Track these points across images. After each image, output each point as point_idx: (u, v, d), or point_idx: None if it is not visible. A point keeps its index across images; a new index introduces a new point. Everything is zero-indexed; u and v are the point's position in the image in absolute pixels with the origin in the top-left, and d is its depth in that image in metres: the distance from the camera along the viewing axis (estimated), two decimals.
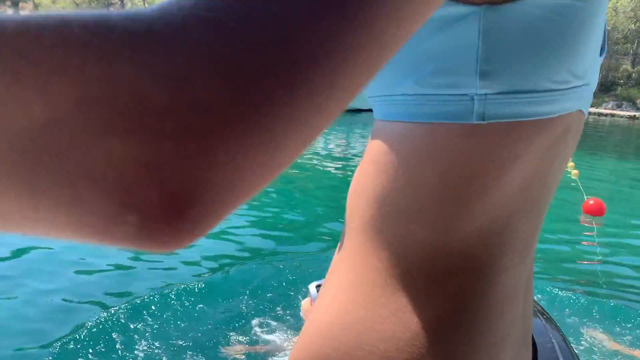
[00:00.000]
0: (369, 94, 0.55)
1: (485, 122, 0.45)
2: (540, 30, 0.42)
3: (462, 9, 0.43)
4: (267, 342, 3.12)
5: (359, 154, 10.56)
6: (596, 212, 5.70)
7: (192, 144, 0.18)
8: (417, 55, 0.46)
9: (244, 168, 0.20)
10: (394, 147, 0.50)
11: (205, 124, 0.18)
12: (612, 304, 3.50)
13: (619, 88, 38.70)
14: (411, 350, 0.46)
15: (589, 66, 0.47)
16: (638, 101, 36.86)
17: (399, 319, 0.47)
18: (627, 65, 40.42)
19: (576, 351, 1.69)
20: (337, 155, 10.04)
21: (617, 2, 37.64)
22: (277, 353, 3.08)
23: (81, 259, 3.81)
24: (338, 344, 0.49)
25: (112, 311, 3.14)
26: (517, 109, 0.45)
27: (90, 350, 2.78)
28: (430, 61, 0.46)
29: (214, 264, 4.01)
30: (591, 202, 5.77)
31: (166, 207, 0.19)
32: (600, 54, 0.49)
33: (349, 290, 0.51)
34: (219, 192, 0.20)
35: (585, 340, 3.09)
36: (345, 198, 0.59)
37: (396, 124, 0.50)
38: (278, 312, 3.36)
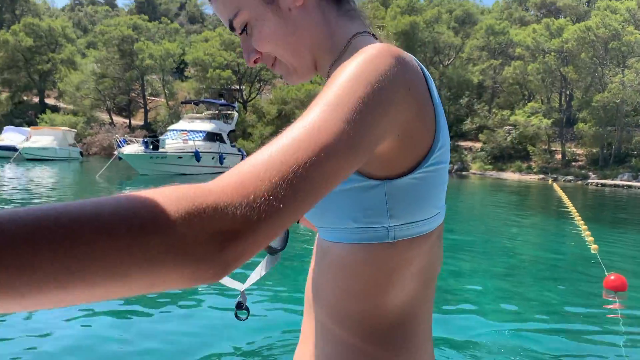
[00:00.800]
0: (319, 225, 0.89)
1: (395, 240, 0.82)
2: (419, 188, 0.80)
3: (373, 182, 0.79)
4: None
5: None
6: (618, 287, 5.72)
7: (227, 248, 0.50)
8: (352, 205, 0.81)
9: (258, 247, 0.53)
10: (344, 257, 0.86)
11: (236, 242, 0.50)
12: None
13: (633, 159, 38.91)
14: None
15: (443, 198, 0.87)
16: None
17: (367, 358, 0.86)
18: (639, 137, 40.86)
19: None
20: None
21: (624, 77, 38.63)
22: None
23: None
24: None
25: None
26: (412, 230, 0.82)
27: None
28: (360, 210, 0.81)
29: None
30: (612, 277, 5.81)
31: (216, 268, 0.49)
32: None
33: (330, 349, 0.89)
34: (244, 256, 0.52)
35: None
36: None
37: (343, 244, 0.86)
38: None
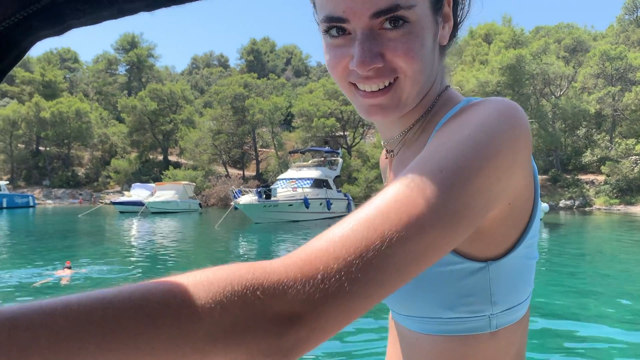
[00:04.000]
0: (405, 313, 0.78)
1: (497, 330, 0.73)
2: (521, 266, 0.72)
3: (475, 265, 0.70)
4: None
5: None
6: None
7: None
8: (448, 292, 0.71)
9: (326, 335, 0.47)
10: (434, 353, 0.76)
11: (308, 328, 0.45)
12: None
13: None
14: None
15: (534, 274, 0.79)
16: None
17: None
18: None
19: None
20: None
21: None
22: None
23: None
24: None
25: None
26: (513, 316, 0.74)
27: None
28: (459, 297, 0.71)
29: None
30: None
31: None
32: None
33: None
34: (307, 344, 0.46)
35: None
36: None
37: (435, 337, 0.75)
38: None
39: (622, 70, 49.23)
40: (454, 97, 0.80)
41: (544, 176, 44.54)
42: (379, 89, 0.73)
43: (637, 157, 42.46)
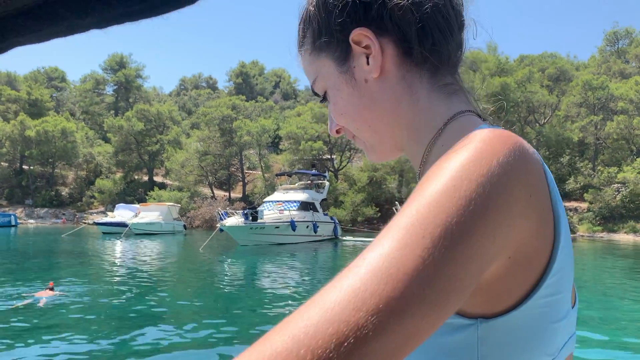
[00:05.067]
0: None
1: None
2: (525, 329, 0.58)
3: (463, 320, 0.59)
4: None
5: None
6: None
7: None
8: (431, 349, 0.61)
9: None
10: None
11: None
12: None
13: None
14: None
15: (562, 340, 0.62)
16: None
17: None
18: None
19: None
20: None
21: None
22: None
23: None
24: None
25: None
26: None
27: None
28: (442, 356, 0.60)
29: None
30: None
31: None
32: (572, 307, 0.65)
33: None
34: None
35: None
36: None
37: None
38: None
39: (604, 100, 50.30)
40: (461, 129, 0.69)
41: None
42: (353, 137, 0.82)
43: (619, 185, 43.10)
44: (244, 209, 32.45)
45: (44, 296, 10.30)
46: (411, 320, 0.43)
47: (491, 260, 0.51)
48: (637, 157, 46.07)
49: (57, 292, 10.79)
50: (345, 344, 0.41)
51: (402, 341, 0.43)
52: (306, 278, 15.99)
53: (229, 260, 21.01)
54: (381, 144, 0.79)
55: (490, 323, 0.58)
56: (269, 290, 12.73)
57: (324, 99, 0.80)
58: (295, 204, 32.30)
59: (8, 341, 7.25)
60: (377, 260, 0.45)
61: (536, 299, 0.57)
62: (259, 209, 31.39)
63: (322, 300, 0.44)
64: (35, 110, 62.75)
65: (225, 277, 15.92)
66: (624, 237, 39.57)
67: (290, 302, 11.15)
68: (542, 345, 0.59)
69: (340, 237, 35.08)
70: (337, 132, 0.83)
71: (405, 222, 0.48)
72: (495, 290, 0.57)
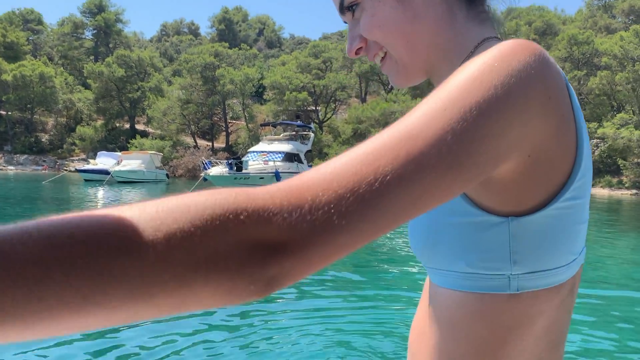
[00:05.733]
0: (427, 265, 0.77)
1: (518, 292, 0.66)
2: (553, 228, 0.64)
3: (495, 218, 0.64)
4: None
5: None
6: None
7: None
8: (466, 245, 0.67)
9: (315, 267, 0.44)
10: (452, 308, 0.72)
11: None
12: None
13: None
14: None
15: (583, 241, 0.70)
16: None
17: None
18: None
19: None
20: None
21: None
22: None
23: None
24: None
25: None
26: (539, 282, 0.66)
27: None
28: (476, 251, 0.66)
29: None
30: None
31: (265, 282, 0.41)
32: None
33: None
34: (291, 275, 0.43)
35: None
36: None
37: (453, 291, 0.71)
38: None
39: (588, 55, 50.38)
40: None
41: None
42: (380, 59, 0.79)
43: (598, 140, 43.80)
44: (227, 159, 32.45)
45: None
46: (429, 175, 0.47)
47: (509, 150, 0.55)
48: (617, 113, 46.68)
49: None
50: (367, 186, 0.45)
51: (419, 193, 0.47)
52: None
53: None
54: (413, 64, 0.77)
55: (521, 221, 0.63)
56: None
57: (350, 10, 0.76)
58: (280, 155, 32.38)
59: None
60: (401, 126, 0.50)
61: (563, 201, 0.63)
62: (243, 159, 31.38)
63: (350, 151, 0.49)
64: (12, 53, 60.88)
65: None
66: (599, 192, 40.57)
67: None
68: (567, 244, 0.66)
69: None
70: (357, 52, 0.79)
71: (428, 103, 0.52)
72: (519, 189, 0.62)
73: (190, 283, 0.39)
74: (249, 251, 0.40)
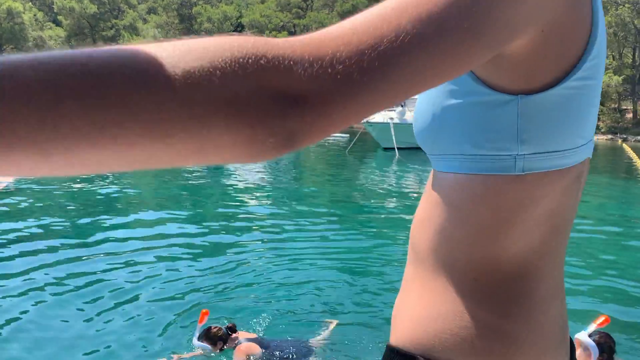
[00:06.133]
0: (431, 152, 0.76)
1: (524, 173, 0.66)
2: (562, 108, 0.63)
3: (503, 97, 0.63)
4: None
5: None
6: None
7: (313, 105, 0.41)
8: (472, 126, 0.66)
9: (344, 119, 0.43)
10: (455, 191, 0.72)
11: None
12: None
13: None
14: (480, 331, 0.70)
15: (592, 127, 0.69)
16: None
17: (470, 312, 0.71)
18: None
19: None
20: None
21: None
22: None
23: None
24: (428, 329, 0.74)
25: None
26: (545, 163, 0.65)
27: None
28: (483, 132, 0.66)
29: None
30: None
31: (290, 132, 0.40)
32: None
33: (430, 296, 0.75)
34: (311, 130, 0.42)
35: None
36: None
37: (457, 175, 0.71)
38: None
39: None
40: None
41: None
42: None
43: None
44: None
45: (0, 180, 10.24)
46: (450, 38, 0.46)
47: (524, 22, 0.53)
48: None
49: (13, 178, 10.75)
50: (389, 43, 0.44)
51: (440, 57, 0.46)
52: (270, 172, 16.27)
53: None
54: None
55: (530, 99, 0.62)
56: (234, 182, 12.95)
57: None
58: None
59: None
60: None
61: (575, 80, 0.61)
62: None
63: (371, 8, 0.47)
64: None
65: (185, 170, 15.99)
66: None
67: (255, 193, 11.45)
68: (576, 126, 0.65)
69: None
70: None
71: None
72: (532, 66, 0.60)
73: (210, 126, 0.38)
74: (269, 99, 0.39)
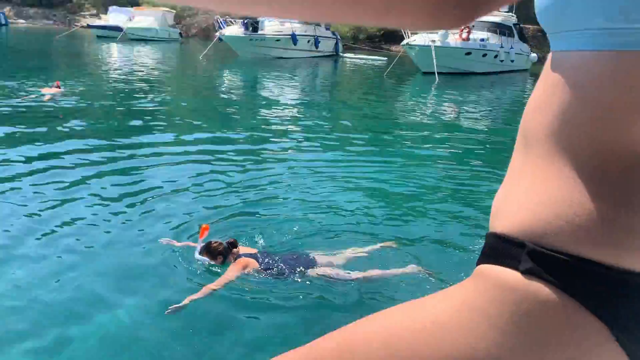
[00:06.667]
0: (553, 29, 0.68)
1: None
2: None
3: None
4: None
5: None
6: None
7: None
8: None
9: None
10: (580, 72, 0.64)
11: None
12: None
13: None
14: (598, 219, 0.64)
15: None
16: None
17: (588, 200, 0.65)
18: None
19: None
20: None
21: None
22: None
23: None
24: (540, 215, 0.68)
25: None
26: None
27: None
28: (616, 1, 0.58)
29: None
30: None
31: None
32: None
33: (545, 183, 0.69)
34: None
35: None
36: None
37: (583, 53, 0.63)
38: None
39: None
40: None
41: (535, 26, 43.46)
42: None
43: None
44: (243, 18, 31.22)
45: (49, 92, 10.43)
46: None
47: None
48: None
49: (62, 89, 10.94)
50: None
51: None
52: (306, 91, 16.14)
53: (229, 71, 20.87)
54: None
55: None
56: (270, 99, 12.94)
57: None
58: None
59: (28, 129, 7.54)
60: None
61: None
62: (259, 19, 30.24)
63: None
64: None
65: (225, 88, 16.00)
66: None
67: (289, 111, 11.41)
68: None
69: (341, 54, 34.45)
70: None
71: None
72: None
73: None
74: None
